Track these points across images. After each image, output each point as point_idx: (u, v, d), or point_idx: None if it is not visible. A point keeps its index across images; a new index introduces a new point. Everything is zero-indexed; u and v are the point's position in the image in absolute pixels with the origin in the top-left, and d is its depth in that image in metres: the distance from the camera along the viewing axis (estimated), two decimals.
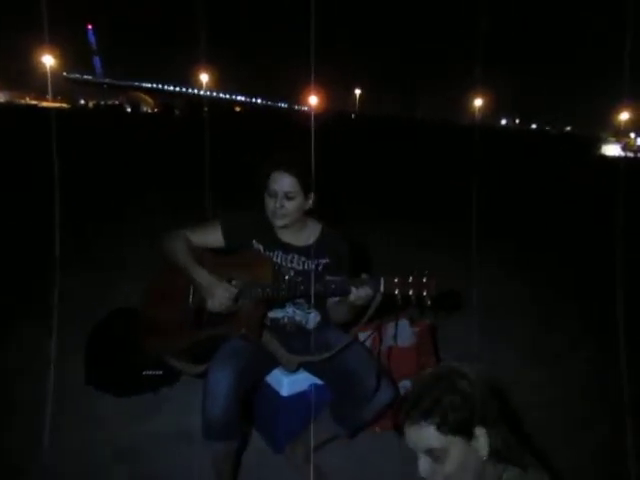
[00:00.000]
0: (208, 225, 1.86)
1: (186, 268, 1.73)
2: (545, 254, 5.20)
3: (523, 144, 32.47)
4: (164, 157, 11.84)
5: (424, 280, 1.50)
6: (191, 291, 1.78)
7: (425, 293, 1.50)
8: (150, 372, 2.19)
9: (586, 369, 2.80)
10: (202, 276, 1.70)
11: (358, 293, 1.55)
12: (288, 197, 1.72)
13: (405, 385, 2.10)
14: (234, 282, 1.77)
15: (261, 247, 1.83)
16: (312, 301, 1.80)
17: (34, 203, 4.94)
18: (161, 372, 2.20)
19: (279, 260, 1.82)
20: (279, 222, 1.75)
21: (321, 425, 1.80)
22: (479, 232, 2.67)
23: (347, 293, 1.58)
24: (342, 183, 7.49)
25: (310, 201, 1.79)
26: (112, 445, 1.96)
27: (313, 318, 1.89)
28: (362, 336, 2.09)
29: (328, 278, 1.65)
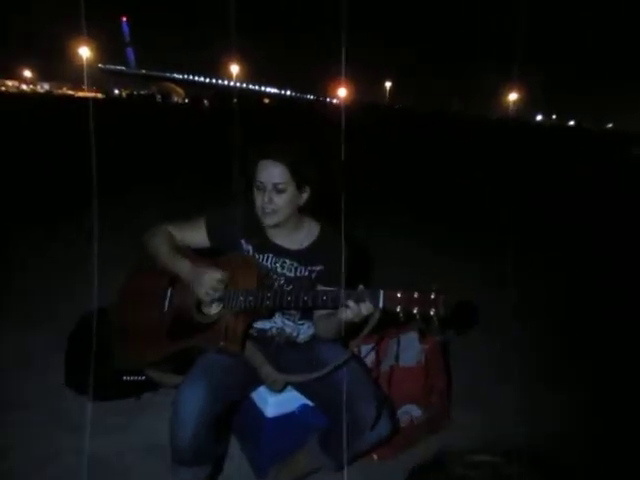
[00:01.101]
0: (193, 221, 1.67)
1: (167, 262, 1.56)
2: (567, 259, 4.80)
3: (556, 141, 31.24)
4: (191, 146, 11.84)
5: (432, 296, 1.26)
6: (168, 295, 1.60)
7: (432, 312, 1.26)
8: (131, 377, 2.02)
9: (611, 395, 2.48)
10: (184, 267, 1.52)
11: (352, 309, 1.32)
12: (277, 190, 1.50)
13: (408, 410, 1.88)
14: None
15: (250, 248, 1.63)
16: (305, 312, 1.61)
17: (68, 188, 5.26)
18: (143, 377, 2.02)
19: (269, 264, 1.61)
20: (268, 220, 1.54)
21: (308, 453, 1.60)
22: (497, 233, 2.41)
23: (339, 307, 1.36)
24: (356, 177, 7.15)
25: (305, 195, 1.57)
26: (83, 454, 1.80)
27: (305, 330, 1.68)
28: (364, 350, 1.87)
29: (319, 289, 1.43)
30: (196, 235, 1.65)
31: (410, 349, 1.93)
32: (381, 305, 1.30)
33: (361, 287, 1.35)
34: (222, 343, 1.46)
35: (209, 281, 1.46)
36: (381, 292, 1.30)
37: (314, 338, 1.70)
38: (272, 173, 1.49)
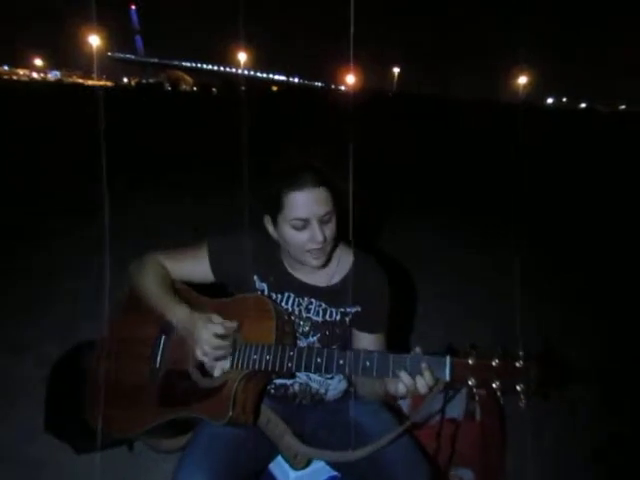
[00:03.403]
0: (192, 250, 1.31)
1: (157, 304, 1.21)
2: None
3: (571, 125, 30.20)
4: (200, 136, 11.50)
5: (517, 365, 0.92)
6: (160, 346, 1.24)
7: (520, 387, 0.91)
8: None
9: None
10: (179, 313, 1.18)
11: (406, 383, 0.98)
12: (323, 221, 1.13)
13: (459, 475, 1.52)
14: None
15: (265, 286, 1.27)
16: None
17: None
18: None
19: (290, 306, 1.26)
20: (317, 262, 1.17)
21: None
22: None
23: (386, 376, 1.01)
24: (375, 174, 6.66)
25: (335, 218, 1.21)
26: None
27: (335, 386, 1.33)
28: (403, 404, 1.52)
29: (360, 351, 1.08)
30: (196, 268, 1.30)
31: (461, 397, 1.57)
32: (447, 378, 0.95)
33: (417, 350, 1.00)
34: (230, 414, 1.11)
35: (208, 338, 1.10)
36: (447, 360, 0.96)
37: (347, 394, 1.35)
38: (315, 204, 1.10)
